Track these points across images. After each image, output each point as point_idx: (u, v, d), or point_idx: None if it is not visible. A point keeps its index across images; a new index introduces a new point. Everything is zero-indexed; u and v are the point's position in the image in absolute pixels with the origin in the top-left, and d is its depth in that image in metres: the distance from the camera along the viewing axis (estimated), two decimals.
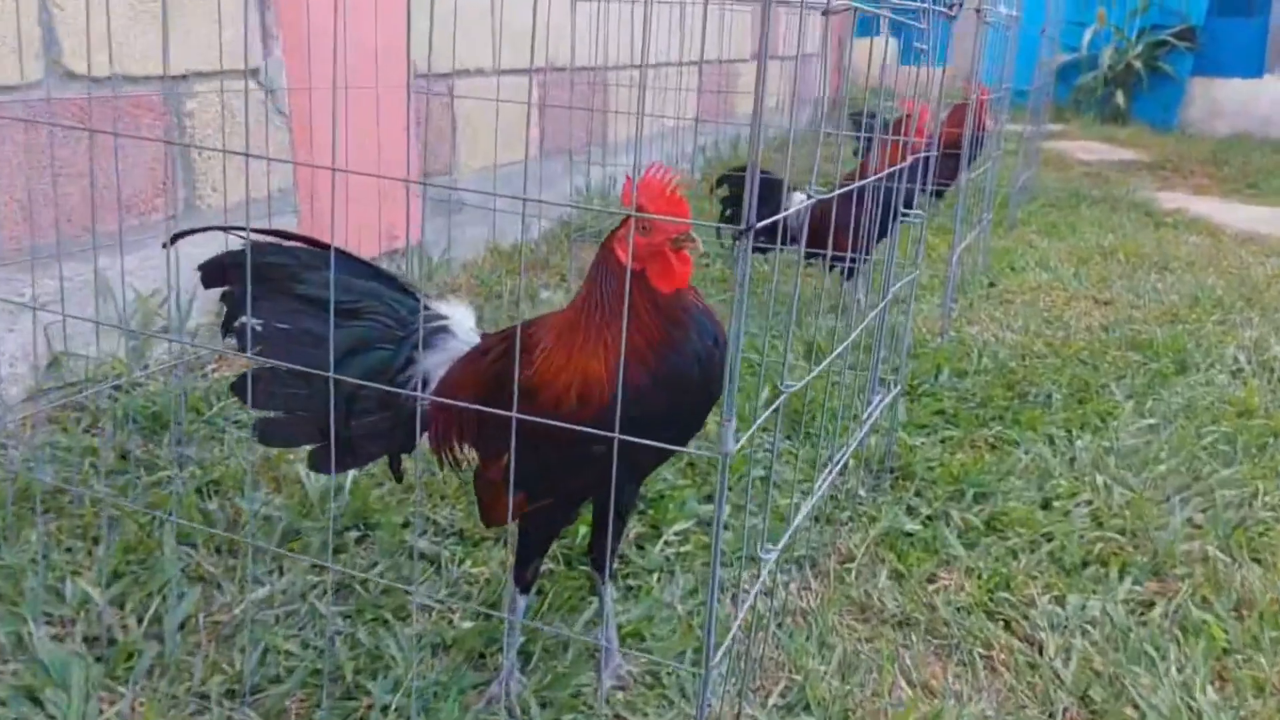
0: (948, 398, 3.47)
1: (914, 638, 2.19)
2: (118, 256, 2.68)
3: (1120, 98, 12.01)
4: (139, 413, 2.91)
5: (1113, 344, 4.07)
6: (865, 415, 2.64)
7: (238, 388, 1.89)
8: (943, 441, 3.17)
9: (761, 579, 1.87)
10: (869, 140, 5.23)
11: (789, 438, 3.15)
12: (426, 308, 1.96)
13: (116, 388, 3.03)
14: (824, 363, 1.99)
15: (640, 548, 2.50)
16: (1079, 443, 3.14)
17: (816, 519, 2.65)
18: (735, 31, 8.27)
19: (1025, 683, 2.05)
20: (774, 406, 1.74)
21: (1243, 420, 3.31)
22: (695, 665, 2.06)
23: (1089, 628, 2.22)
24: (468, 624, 2.18)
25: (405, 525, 2.54)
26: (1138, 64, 11.85)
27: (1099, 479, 2.87)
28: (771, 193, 4.36)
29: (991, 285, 4.86)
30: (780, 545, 1.87)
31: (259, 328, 1.85)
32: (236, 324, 1.86)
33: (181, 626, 2.08)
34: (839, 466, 2.37)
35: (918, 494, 2.82)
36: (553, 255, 5.21)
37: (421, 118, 4.54)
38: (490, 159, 4.92)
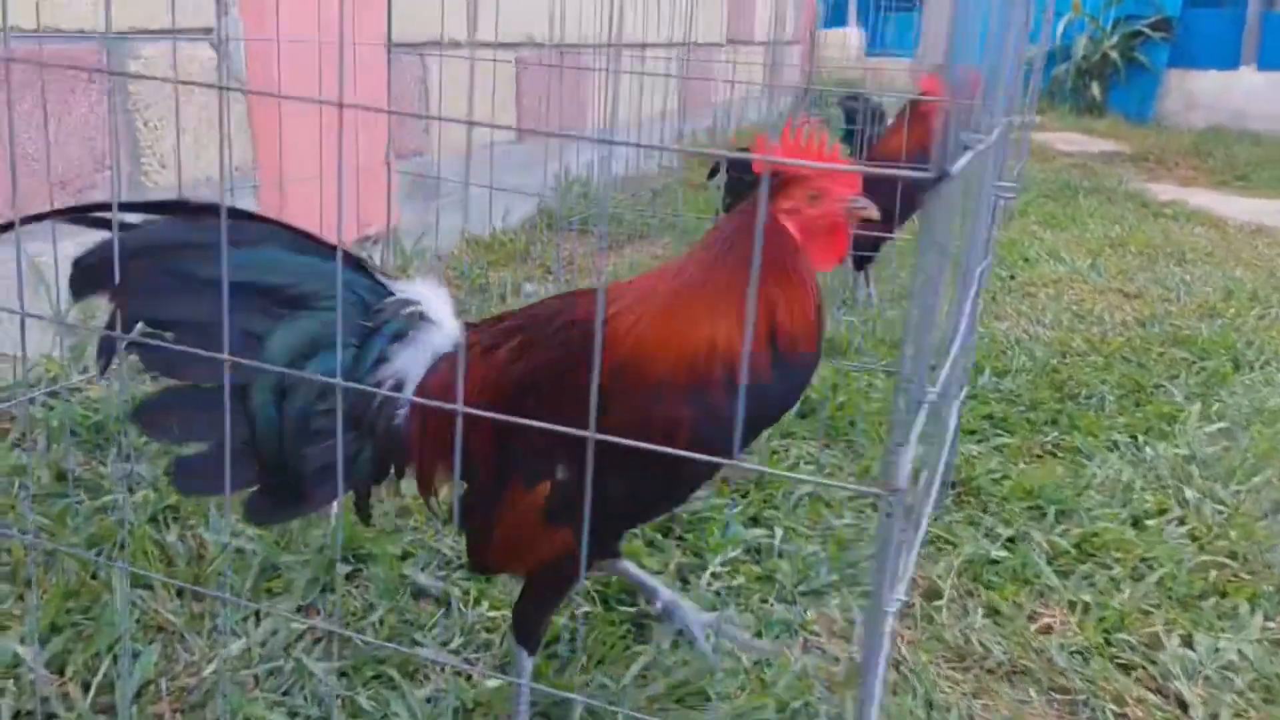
0: (994, 400, 3.12)
1: (1031, 692, 1.84)
2: (50, 241, 2.24)
3: (1096, 89, 11.84)
4: (78, 423, 2.46)
5: (1154, 340, 3.76)
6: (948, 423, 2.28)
7: (142, 415, 1.42)
8: (999, 450, 2.82)
9: (889, 630, 1.49)
10: (850, 130, 4.95)
11: (827, 447, 2.79)
12: (391, 291, 1.52)
13: (51, 394, 2.58)
14: (946, 362, 1.61)
15: (684, 581, 2.12)
16: (1149, 450, 2.81)
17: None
18: (706, 12, 7.87)
19: None
20: (918, 416, 1.37)
21: None
22: None
23: (1229, 675, 1.87)
24: (492, 682, 1.78)
25: (404, 557, 2.13)
26: (1113, 54, 11.67)
27: (1187, 493, 2.54)
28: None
29: (1011, 278, 4.54)
30: (902, 588, 1.49)
31: (167, 334, 1.37)
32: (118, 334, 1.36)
33: (138, 695, 1.67)
34: (936, 486, 2.00)
35: (986, 511, 2.46)
36: (533, 245, 4.80)
37: (393, 93, 4.11)
38: (468, 140, 4.50)
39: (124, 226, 1.33)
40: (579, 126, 5.66)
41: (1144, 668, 1.90)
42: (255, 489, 1.48)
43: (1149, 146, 9.58)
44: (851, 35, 13.45)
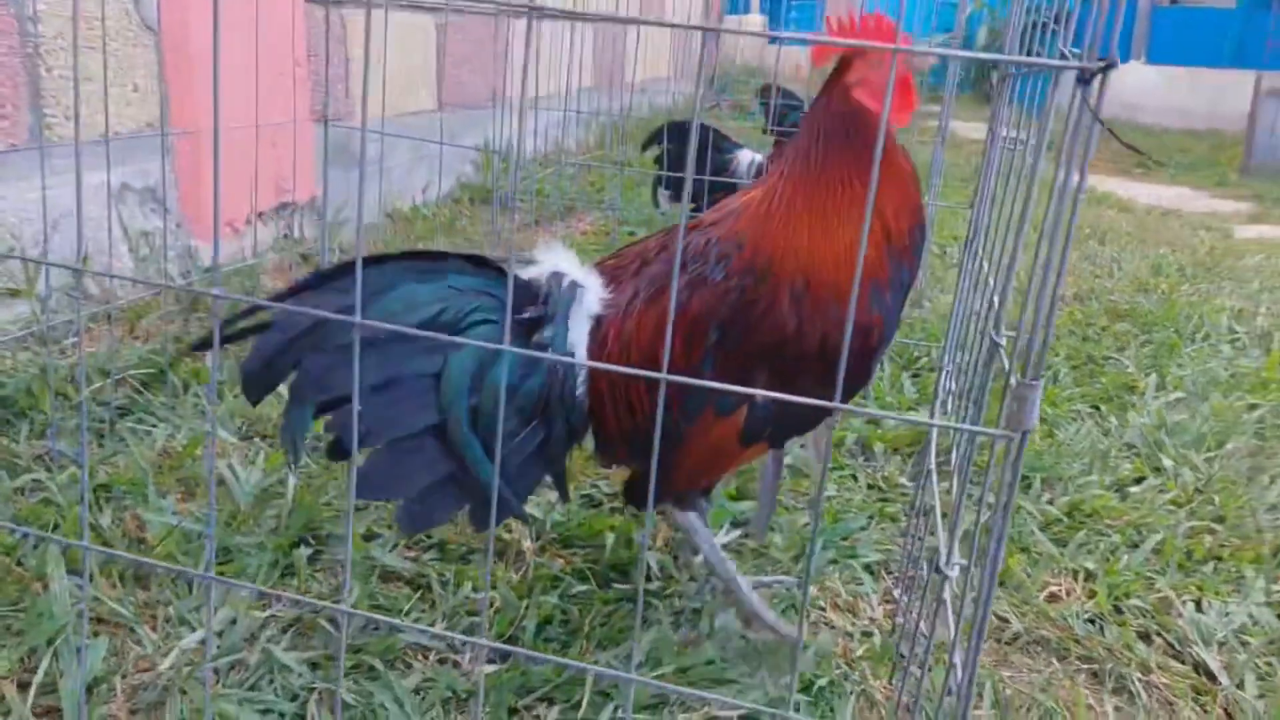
0: (951, 373, 3.06)
1: (1055, 662, 1.75)
2: None
3: (995, 79, 12.07)
4: None
5: (1096, 314, 3.77)
6: (941, 386, 2.20)
7: (363, 488, 1.40)
8: (965, 411, 2.76)
9: (951, 598, 1.39)
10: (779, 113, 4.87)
11: None
12: (519, 275, 1.52)
13: None
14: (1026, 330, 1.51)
15: (675, 558, 1.98)
16: (1113, 420, 2.78)
17: (872, 516, 2.19)
18: None
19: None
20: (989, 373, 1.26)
21: (1267, 394, 3.03)
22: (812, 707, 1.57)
23: (1246, 638, 1.83)
24: (488, 667, 1.62)
25: (369, 538, 1.95)
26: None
27: (1163, 460, 2.51)
28: (716, 147, 3.91)
29: (943, 252, 4.52)
30: (951, 553, 1.39)
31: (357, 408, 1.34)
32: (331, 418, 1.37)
33: (88, 694, 1.45)
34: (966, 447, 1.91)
35: (971, 481, 2.39)
36: (457, 220, 4.59)
37: (315, 52, 3.85)
38: (388, 107, 4.26)
39: (261, 327, 1.35)
40: (499, 96, 5.46)
41: (1160, 634, 1.84)
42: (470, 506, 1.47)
43: (1050, 135, 9.77)
44: (752, 22, 13.42)
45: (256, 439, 2.27)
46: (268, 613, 1.71)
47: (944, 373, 2.30)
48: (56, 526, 1.79)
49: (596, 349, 1.51)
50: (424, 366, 1.39)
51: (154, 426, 2.26)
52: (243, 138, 3.31)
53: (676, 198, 3.71)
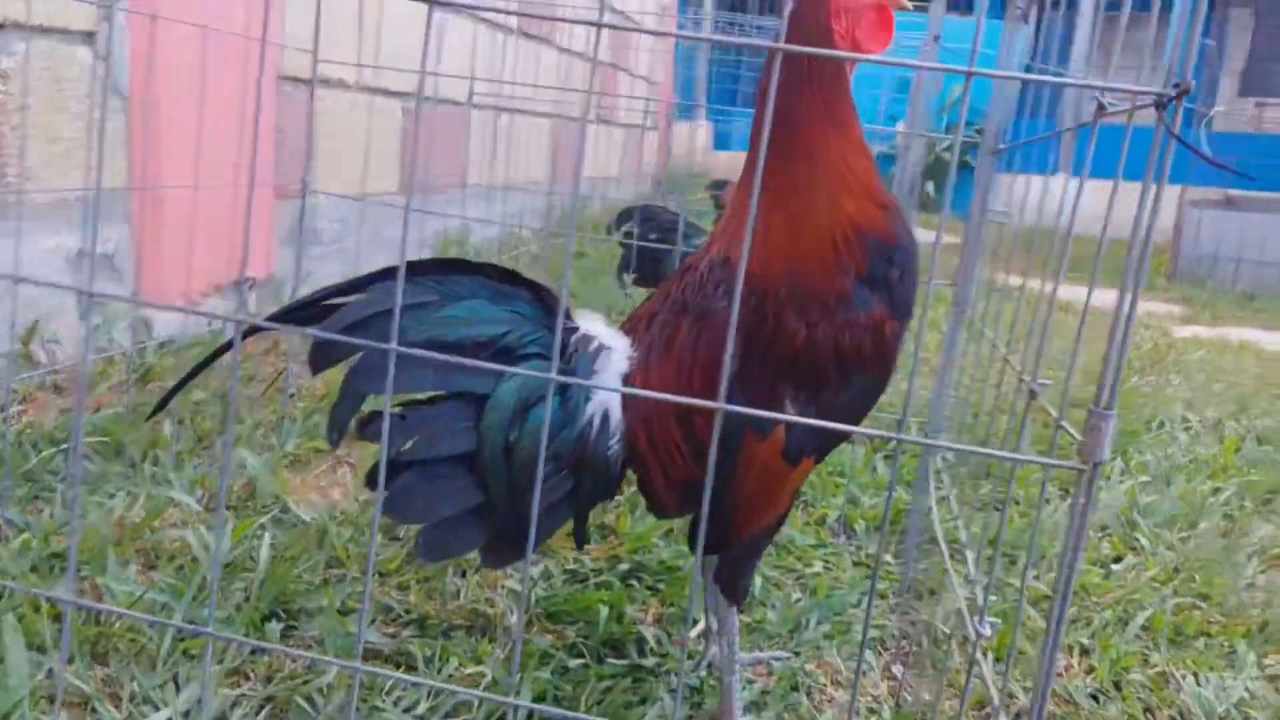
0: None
1: None
2: None
3: (930, 188, 12.50)
4: None
5: (1054, 403, 3.81)
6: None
7: (391, 506, 1.35)
8: (942, 501, 2.75)
9: (980, 675, 1.35)
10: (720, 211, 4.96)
11: None
12: (574, 326, 1.50)
13: None
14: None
15: (669, 634, 1.91)
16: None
17: (863, 593, 2.14)
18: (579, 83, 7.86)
19: None
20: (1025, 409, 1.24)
21: (1228, 478, 3.08)
22: None
23: (1249, 711, 1.80)
24: None
25: (345, 612, 1.84)
26: (946, 156, 12.38)
27: (1141, 540, 2.52)
28: (685, 235, 3.93)
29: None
30: (983, 612, 1.36)
31: (400, 414, 1.35)
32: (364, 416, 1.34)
33: None
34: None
35: (954, 558, 2.36)
36: None
37: (281, 129, 3.82)
38: (351, 186, 4.24)
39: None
40: (459, 183, 5.47)
41: (1162, 709, 1.81)
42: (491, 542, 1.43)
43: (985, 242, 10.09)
44: (700, 130, 13.72)
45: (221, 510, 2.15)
46: (239, 690, 1.60)
47: (938, 456, 2.29)
48: (10, 594, 1.66)
49: (628, 403, 1.49)
50: (474, 387, 1.37)
51: (111, 495, 2.14)
52: (207, 209, 3.25)
53: (642, 281, 3.70)
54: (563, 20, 1.00)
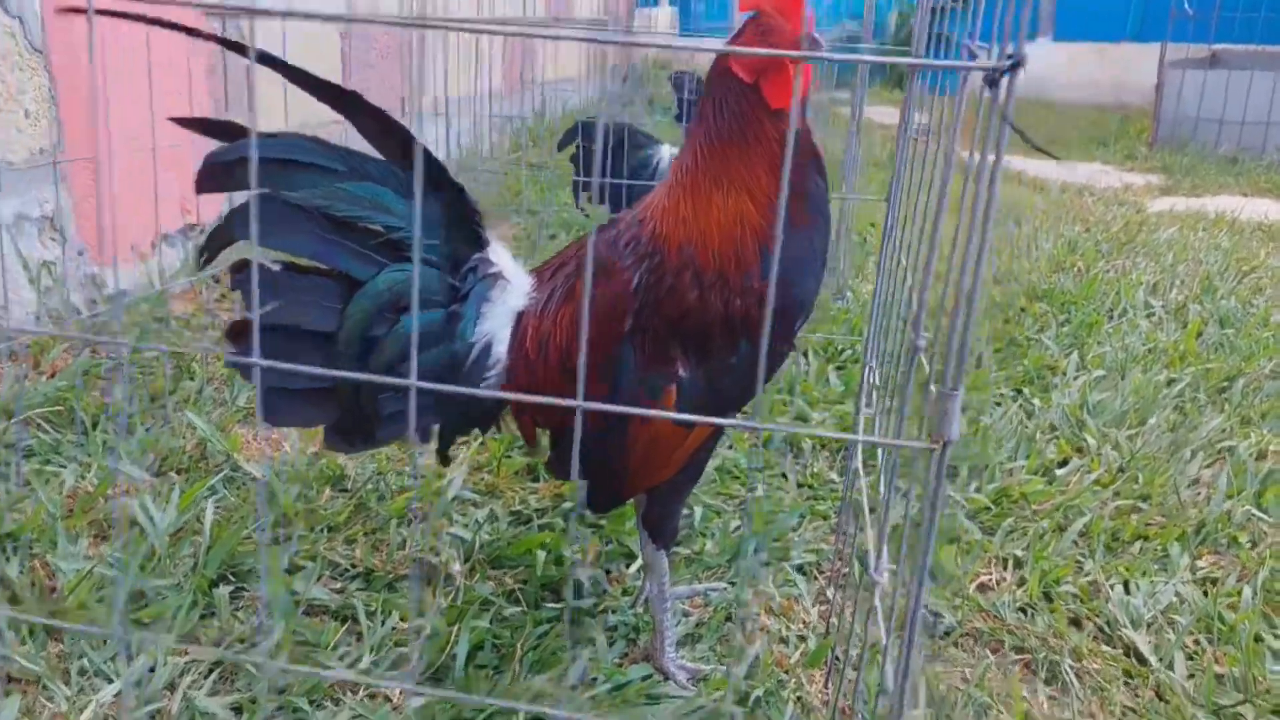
0: (874, 364, 3.08)
1: (988, 654, 1.76)
2: None
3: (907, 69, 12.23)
4: None
5: (1014, 295, 3.82)
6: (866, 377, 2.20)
7: (241, 364, 1.36)
8: (889, 413, 2.77)
9: (881, 600, 1.39)
10: (681, 100, 4.86)
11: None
12: (481, 247, 1.51)
13: None
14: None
15: (607, 572, 1.96)
16: (1036, 402, 2.82)
17: (803, 515, 2.18)
18: None
19: (1144, 703, 1.65)
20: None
21: (1185, 367, 3.09)
22: None
23: (1174, 617, 1.85)
24: (416, 700, 1.57)
25: (292, 571, 1.89)
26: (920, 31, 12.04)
27: (1088, 440, 2.55)
28: (634, 144, 3.88)
29: (864, 241, 4.55)
30: (880, 558, 1.39)
31: (273, 267, 1.37)
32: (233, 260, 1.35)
33: None
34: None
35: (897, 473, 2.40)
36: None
37: (216, 68, 3.74)
38: (297, 119, 4.16)
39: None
40: (408, 106, 5.37)
41: (1090, 619, 1.86)
42: (332, 425, 1.46)
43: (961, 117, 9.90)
44: (662, 16, 13.39)
45: (171, 474, 2.19)
46: (188, 657, 1.65)
47: (867, 368, 2.30)
48: None
49: (515, 346, 1.52)
50: (352, 269, 1.38)
51: (63, 467, 2.17)
52: (143, 160, 3.20)
53: (599, 199, 3.67)
54: None
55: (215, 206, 3.69)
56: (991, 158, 0.93)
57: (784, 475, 2.36)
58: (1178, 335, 3.38)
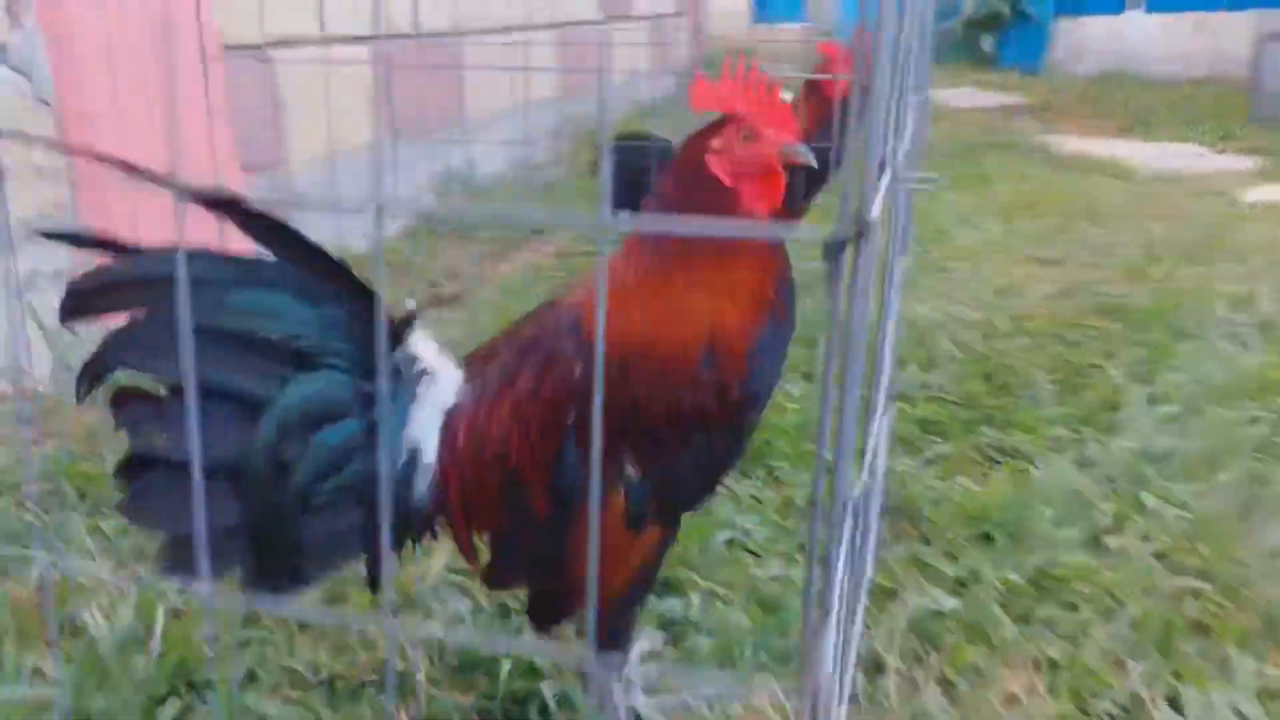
0: (922, 400, 2.84)
1: None
2: None
3: (987, 42, 11.74)
4: None
5: (1081, 312, 3.52)
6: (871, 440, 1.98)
7: (130, 507, 1.23)
8: (934, 462, 2.54)
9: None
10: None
11: (746, 476, 2.47)
12: (401, 346, 1.35)
13: None
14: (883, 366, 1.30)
15: (582, 676, 1.78)
16: (1094, 446, 2.54)
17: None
18: None
19: None
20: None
21: (1270, 399, 2.78)
22: None
23: None
24: None
25: (252, 678, 1.76)
26: (1001, 6, 11.58)
27: (1146, 498, 2.28)
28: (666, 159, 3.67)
29: (925, 252, 4.27)
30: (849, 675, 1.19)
31: (158, 401, 1.21)
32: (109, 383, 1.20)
33: None
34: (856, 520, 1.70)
35: (929, 543, 2.18)
36: (417, 255, 4.39)
37: (235, 105, 3.65)
38: (329, 145, 4.07)
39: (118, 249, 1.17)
40: (456, 120, 5.25)
41: None
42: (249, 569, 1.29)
43: (1044, 97, 9.46)
44: (735, 3, 13.08)
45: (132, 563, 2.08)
46: None
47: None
48: None
49: (446, 444, 1.37)
50: (252, 389, 1.23)
51: (37, 552, 2.09)
52: (160, 203, 3.13)
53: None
54: None
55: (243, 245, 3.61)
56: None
57: (802, 547, 2.15)
58: (1263, 359, 3.05)
